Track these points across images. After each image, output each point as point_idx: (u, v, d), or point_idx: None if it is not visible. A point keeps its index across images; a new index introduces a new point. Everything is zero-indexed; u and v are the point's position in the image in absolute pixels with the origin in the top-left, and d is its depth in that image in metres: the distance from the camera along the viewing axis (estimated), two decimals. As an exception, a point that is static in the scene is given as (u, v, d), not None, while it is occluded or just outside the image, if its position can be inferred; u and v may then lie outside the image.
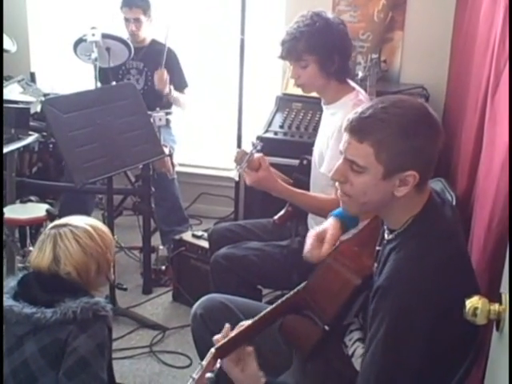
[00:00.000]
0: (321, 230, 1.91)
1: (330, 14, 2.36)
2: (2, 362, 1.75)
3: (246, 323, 1.65)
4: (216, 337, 1.60)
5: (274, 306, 1.72)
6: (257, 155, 2.21)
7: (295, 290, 1.76)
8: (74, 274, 1.82)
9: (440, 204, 1.52)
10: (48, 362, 1.73)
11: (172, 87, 3.88)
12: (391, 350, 1.38)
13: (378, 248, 1.63)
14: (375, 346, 1.40)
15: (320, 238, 1.88)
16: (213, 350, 1.48)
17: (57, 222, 1.95)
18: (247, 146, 2.33)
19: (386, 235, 1.55)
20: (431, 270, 1.39)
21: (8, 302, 1.77)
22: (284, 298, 1.74)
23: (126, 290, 2.88)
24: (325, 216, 2.34)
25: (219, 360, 1.50)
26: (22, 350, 1.75)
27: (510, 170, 1.47)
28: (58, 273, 1.82)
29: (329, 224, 1.94)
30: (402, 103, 1.44)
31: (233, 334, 1.59)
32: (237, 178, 2.20)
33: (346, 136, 1.48)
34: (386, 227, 1.56)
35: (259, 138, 3.41)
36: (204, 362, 1.44)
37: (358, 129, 1.44)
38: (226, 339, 1.55)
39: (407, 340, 1.37)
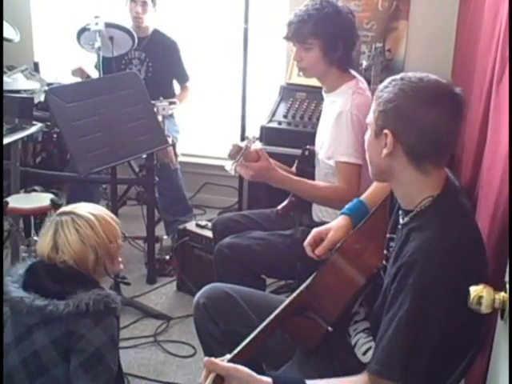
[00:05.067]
0: (324, 229, 1.92)
1: (339, 2, 2.37)
2: (2, 360, 1.73)
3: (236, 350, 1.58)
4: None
5: (277, 312, 1.70)
6: (254, 146, 2.20)
7: (298, 291, 1.76)
8: (70, 263, 1.81)
9: (458, 190, 1.54)
10: (59, 354, 1.72)
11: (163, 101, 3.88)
12: (415, 323, 1.38)
13: (389, 236, 1.63)
14: (398, 322, 1.39)
15: (321, 236, 1.90)
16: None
17: (64, 208, 1.94)
18: (242, 142, 2.32)
19: (400, 220, 1.55)
20: (454, 246, 1.40)
21: (18, 292, 1.75)
22: (287, 302, 1.73)
23: (129, 284, 2.76)
24: (325, 204, 2.36)
25: None
26: (32, 340, 1.74)
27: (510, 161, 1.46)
28: (55, 261, 1.81)
29: (335, 223, 1.94)
30: (422, 75, 1.48)
31: (239, 347, 1.56)
32: (232, 173, 2.18)
33: None
34: (400, 212, 1.56)
35: (263, 128, 3.41)
36: None
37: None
38: (235, 352, 1.53)
39: (431, 314, 1.37)
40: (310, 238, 1.91)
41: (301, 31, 2.31)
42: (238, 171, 2.17)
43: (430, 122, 1.43)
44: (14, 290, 1.77)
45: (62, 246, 1.81)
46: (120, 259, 1.98)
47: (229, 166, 2.18)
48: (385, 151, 1.47)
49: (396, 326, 1.40)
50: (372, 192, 2.05)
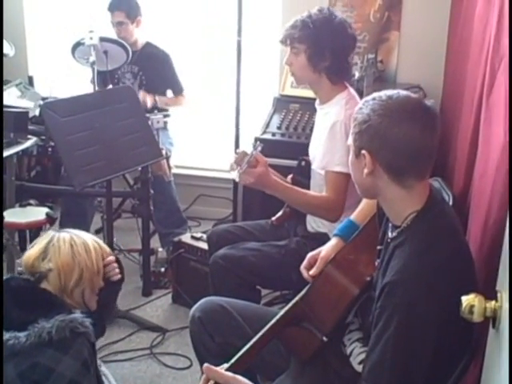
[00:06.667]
0: (317, 251, 1.97)
1: (338, 14, 2.41)
2: (2, 361, 1.64)
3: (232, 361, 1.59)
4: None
5: (272, 322, 1.71)
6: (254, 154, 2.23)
7: (293, 301, 1.77)
8: (54, 273, 1.78)
9: (441, 200, 1.56)
10: None
11: (156, 97, 3.92)
12: (403, 345, 1.39)
13: (379, 247, 1.64)
14: (385, 343, 1.40)
15: (315, 258, 1.94)
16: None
17: (66, 229, 1.93)
18: (247, 147, 2.34)
19: (389, 234, 1.57)
20: (437, 262, 1.41)
21: None
22: (283, 312, 1.74)
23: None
24: (312, 213, 2.38)
25: None
26: (4, 372, 1.62)
27: (510, 170, 1.47)
28: (38, 270, 1.78)
29: (327, 244, 2.00)
30: (392, 92, 1.50)
31: (236, 357, 1.57)
32: (238, 179, 2.20)
33: None
34: (390, 225, 1.58)
35: (258, 139, 3.42)
36: None
37: None
38: (232, 362, 1.55)
39: (418, 334, 1.38)
40: (305, 262, 1.95)
41: (289, 36, 2.37)
42: (239, 180, 2.19)
43: (402, 138, 1.44)
44: None
45: (51, 255, 1.80)
46: (96, 298, 1.93)
47: (235, 174, 2.19)
48: (365, 171, 1.50)
49: (384, 347, 1.41)
50: (361, 210, 2.09)
